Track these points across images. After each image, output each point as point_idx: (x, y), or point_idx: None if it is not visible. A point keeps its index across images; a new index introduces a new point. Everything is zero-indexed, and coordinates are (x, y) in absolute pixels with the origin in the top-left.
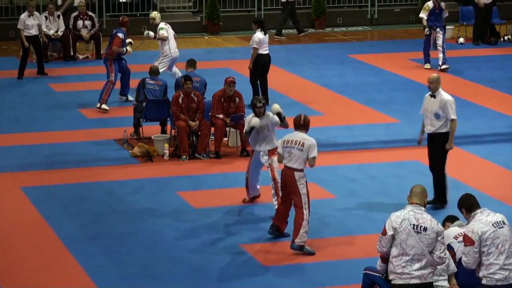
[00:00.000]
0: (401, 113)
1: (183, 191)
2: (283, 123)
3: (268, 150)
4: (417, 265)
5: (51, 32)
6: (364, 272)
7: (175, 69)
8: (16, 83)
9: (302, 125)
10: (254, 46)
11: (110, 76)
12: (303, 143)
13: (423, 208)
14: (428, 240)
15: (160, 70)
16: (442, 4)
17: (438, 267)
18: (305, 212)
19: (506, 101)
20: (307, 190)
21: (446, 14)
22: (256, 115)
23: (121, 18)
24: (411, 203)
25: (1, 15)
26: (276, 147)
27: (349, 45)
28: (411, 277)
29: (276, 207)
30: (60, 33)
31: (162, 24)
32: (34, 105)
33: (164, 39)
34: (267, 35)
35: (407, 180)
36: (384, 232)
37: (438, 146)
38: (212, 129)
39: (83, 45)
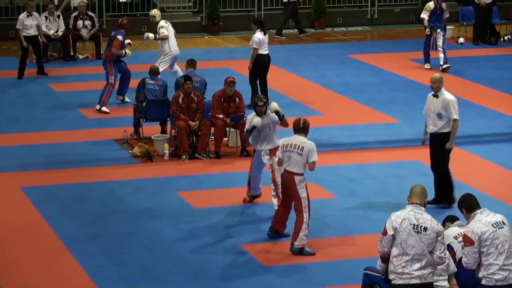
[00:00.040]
0: (401, 113)
1: (183, 191)
2: (282, 121)
3: (270, 150)
4: (417, 265)
5: (51, 32)
6: (364, 272)
7: (176, 67)
8: (16, 83)
9: (301, 128)
10: (254, 46)
11: (109, 78)
12: (303, 147)
13: (423, 208)
14: (428, 240)
15: (161, 69)
16: (443, 5)
17: (438, 267)
18: (305, 215)
19: (506, 101)
20: (307, 193)
21: (446, 15)
22: (258, 114)
23: (120, 20)
24: (411, 203)
25: (1, 15)
26: (278, 146)
27: (349, 45)
28: (411, 277)
29: (276, 208)
30: (60, 33)
31: (162, 22)
32: (34, 105)
33: (165, 39)
34: (267, 35)
35: (407, 180)
36: (384, 232)
37: (440, 146)
38: (212, 129)
39: (82, 44)
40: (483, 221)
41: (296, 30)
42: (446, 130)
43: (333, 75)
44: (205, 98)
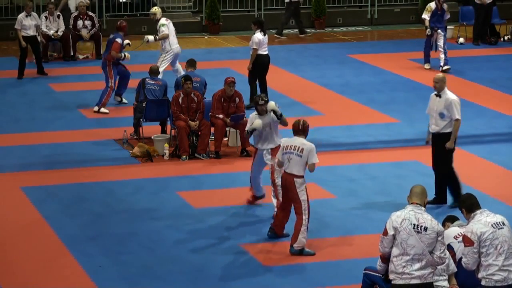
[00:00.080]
0: (401, 113)
1: (183, 191)
2: (281, 120)
3: (271, 149)
4: (417, 265)
5: (51, 32)
6: (364, 272)
7: (178, 65)
8: (16, 83)
9: (301, 130)
10: (254, 47)
11: (109, 82)
12: (302, 149)
13: (423, 208)
14: (429, 240)
15: (162, 67)
16: (445, 6)
17: (438, 267)
18: (304, 217)
19: (506, 101)
20: (307, 196)
21: (448, 16)
22: (259, 112)
23: (119, 22)
24: (411, 203)
25: (1, 15)
26: (279, 146)
27: (349, 45)
28: (412, 277)
29: (276, 210)
30: (60, 33)
31: (163, 20)
32: (34, 105)
33: (165, 38)
34: (266, 35)
35: (407, 180)
36: (385, 232)
37: (442, 146)
38: (212, 129)
39: (82, 44)
40: (483, 221)
41: (297, 30)
42: (448, 130)
43: (333, 75)
44: (205, 98)
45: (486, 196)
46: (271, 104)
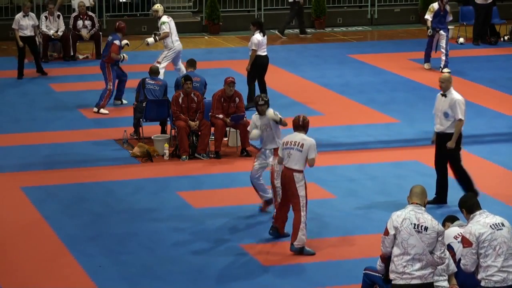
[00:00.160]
0: (401, 113)
1: (183, 191)
2: (281, 124)
3: (273, 149)
4: (418, 265)
5: (51, 32)
6: (364, 272)
7: (180, 65)
8: (16, 83)
9: (301, 125)
10: (253, 48)
11: (108, 84)
12: (303, 144)
13: (423, 208)
14: (429, 240)
15: (164, 64)
16: (447, 7)
17: (438, 267)
18: (303, 214)
19: (506, 101)
20: (305, 192)
21: (450, 18)
22: (259, 112)
23: (117, 23)
24: (412, 203)
25: (1, 15)
26: None
27: (349, 45)
28: (412, 277)
29: (275, 209)
30: (60, 33)
31: (164, 18)
32: (34, 105)
33: (166, 37)
34: (265, 36)
35: (407, 180)
36: (386, 232)
37: (445, 146)
38: (212, 129)
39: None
40: (481, 222)
41: (297, 30)
42: (452, 130)
43: (333, 75)
44: (205, 98)
45: (486, 196)
46: (270, 113)
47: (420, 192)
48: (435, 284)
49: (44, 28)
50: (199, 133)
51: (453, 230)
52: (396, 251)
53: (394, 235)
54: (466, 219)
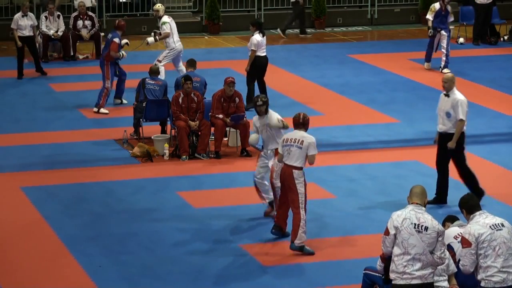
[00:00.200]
0: (401, 113)
1: (183, 191)
2: (284, 128)
3: (275, 149)
4: (418, 265)
5: (51, 32)
6: (364, 272)
7: (181, 66)
8: (16, 83)
9: (301, 123)
10: (252, 48)
11: (106, 82)
12: (302, 141)
13: (423, 208)
14: (429, 240)
15: (163, 63)
16: (449, 8)
17: (438, 267)
18: (302, 212)
19: (506, 101)
20: (305, 189)
21: (451, 19)
22: (258, 113)
23: (117, 21)
24: (412, 203)
25: (1, 15)
26: None
27: (349, 45)
28: (412, 278)
29: (275, 211)
30: (60, 33)
31: (165, 18)
32: (34, 105)
33: (167, 37)
34: (265, 37)
35: (407, 180)
36: (386, 232)
37: (446, 146)
38: (212, 129)
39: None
40: (481, 223)
41: (297, 30)
42: (453, 131)
43: (333, 75)
44: (205, 98)
45: (486, 196)
46: (274, 122)
47: (420, 192)
48: (435, 284)
49: (44, 28)
50: (199, 133)
51: (453, 230)
52: (396, 250)
53: (395, 235)
54: (466, 220)
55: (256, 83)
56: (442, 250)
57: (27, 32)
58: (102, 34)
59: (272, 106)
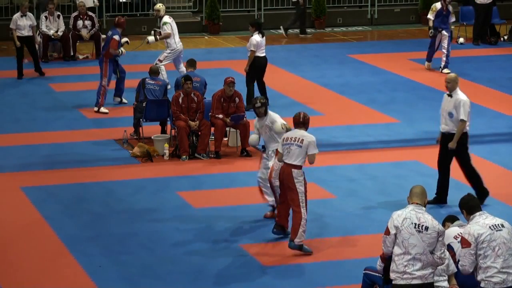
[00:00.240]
0: (401, 113)
1: (183, 191)
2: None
3: (276, 150)
4: (418, 265)
5: (51, 32)
6: (364, 272)
7: (182, 67)
8: (16, 83)
9: (301, 122)
10: (252, 49)
11: (102, 80)
12: (302, 140)
13: (424, 208)
14: (430, 240)
15: (164, 63)
16: (450, 8)
17: (438, 267)
18: (303, 211)
19: (506, 101)
20: (305, 188)
21: (452, 19)
22: (257, 115)
23: (117, 18)
24: (412, 203)
25: (1, 15)
26: None
27: (349, 45)
28: (413, 278)
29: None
30: (60, 33)
31: (166, 18)
32: (34, 105)
33: (168, 37)
34: (264, 37)
35: (407, 180)
36: (387, 232)
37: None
38: (212, 129)
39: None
40: (480, 223)
41: (297, 30)
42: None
43: (333, 75)
44: (205, 98)
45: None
46: (277, 127)
47: (420, 192)
48: (435, 284)
49: (44, 28)
50: (199, 133)
51: (453, 230)
52: (397, 250)
53: (395, 235)
54: (466, 220)
55: (256, 84)
56: (442, 250)
57: (26, 32)
58: (103, 36)
59: (272, 106)
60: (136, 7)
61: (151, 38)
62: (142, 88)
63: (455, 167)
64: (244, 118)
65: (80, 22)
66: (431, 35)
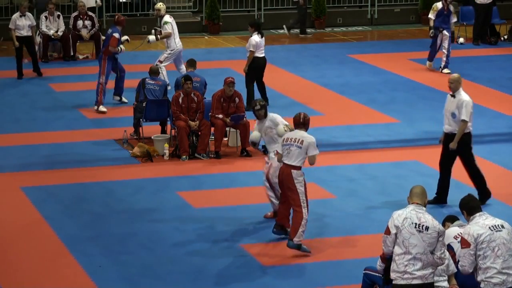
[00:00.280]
0: (401, 113)
1: (183, 191)
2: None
3: (277, 150)
4: (419, 265)
5: (51, 32)
6: (364, 272)
7: (183, 67)
8: (16, 83)
9: (301, 123)
10: (251, 49)
11: (100, 78)
12: (302, 141)
13: (424, 208)
14: (430, 240)
15: (165, 64)
16: (451, 7)
17: (438, 267)
18: (304, 211)
19: (506, 101)
20: (305, 188)
21: (454, 19)
22: (257, 117)
23: (116, 16)
24: (412, 203)
25: (1, 15)
26: None
27: (349, 45)
28: (413, 278)
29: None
30: (60, 33)
31: (167, 17)
32: (34, 105)
33: (168, 36)
34: (263, 37)
35: (407, 180)
36: (387, 231)
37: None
38: (212, 129)
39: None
40: (480, 223)
41: (297, 30)
42: None
43: (333, 75)
44: (205, 98)
45: None
46: (281, 131)
47: (420, 192)
48: (435, 284)
49: (44, 28)
50: (199, 133)
51: (453, 230)
52: (397, 250)
53: (396, 234)
54: (467, 221)
55: (255, 84)
56: (442, 251)
57: (25, 32)
58: (103, 37)
59: (272, 106)
60: (136, 7)
61: (152, 37)
62: (142, 88)
63: (455, 167)
64: (244, 118)
65: (80, 22)
66: (431, 35)
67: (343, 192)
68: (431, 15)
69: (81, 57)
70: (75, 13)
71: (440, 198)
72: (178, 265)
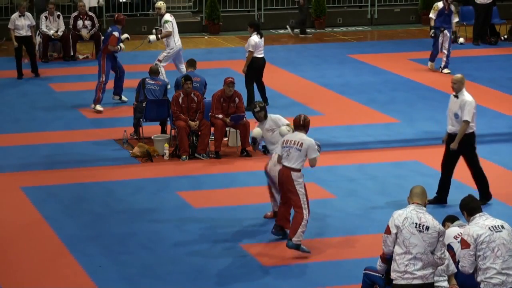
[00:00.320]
0: (401, 113)
1: (183, 191)
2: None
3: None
4: (419, 265)
5: (51, 32)
6: (364, 272)
7: (183, 67)
8: (16, 83)
9: (301, 125)
10: (250, 49)
11: (101, 77)
12: (302, 143)
13: (424, 208)
14: (430, 239)
15: (164, 63)
16: (452, 7)
17: (438, 267)
18: (305, 212)
19: (506, 101)
20: (305, 190)
21: (456, 19)
22: (257, 119)
23: (116, 15)
24: (413, 203)
25: (1, 15)
26: None
27: (349, 45)
28: (414, 278)
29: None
30: (60, 33)
31: (167, 16)
32: (33, 105)
33: (169, 35)
34: (262, 38)
35: (407, 180)
36: (388, 231)
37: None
38: (212, 129)
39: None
40: (480, 224)
41: (297, 30)
42: None
43: (333, 75)
44: (205, 98)
45: None
46: (284, 132)
47: (421, 192)
48: (435, 284)
49: (44, 28)
50: (199, 133)
51: (453, 230)
52: (398, 250)
53: (396, 234)
54: (467, 221)
55: (255, 85)
56: (442, 251)
57: (24, 32)
58: (103, 38)
59: (272, 106)
60: (136, 7)
61: (152, 37)
62: (142, 88)
63: (456, 166)
64: (244, 118)
65: (80, 22)
66: (432, 35)
67: (343, 192)
68: (432, 15)
69: (81, 57)
70: (75, 13)
71: (440, 198)
72: (178, 265)
